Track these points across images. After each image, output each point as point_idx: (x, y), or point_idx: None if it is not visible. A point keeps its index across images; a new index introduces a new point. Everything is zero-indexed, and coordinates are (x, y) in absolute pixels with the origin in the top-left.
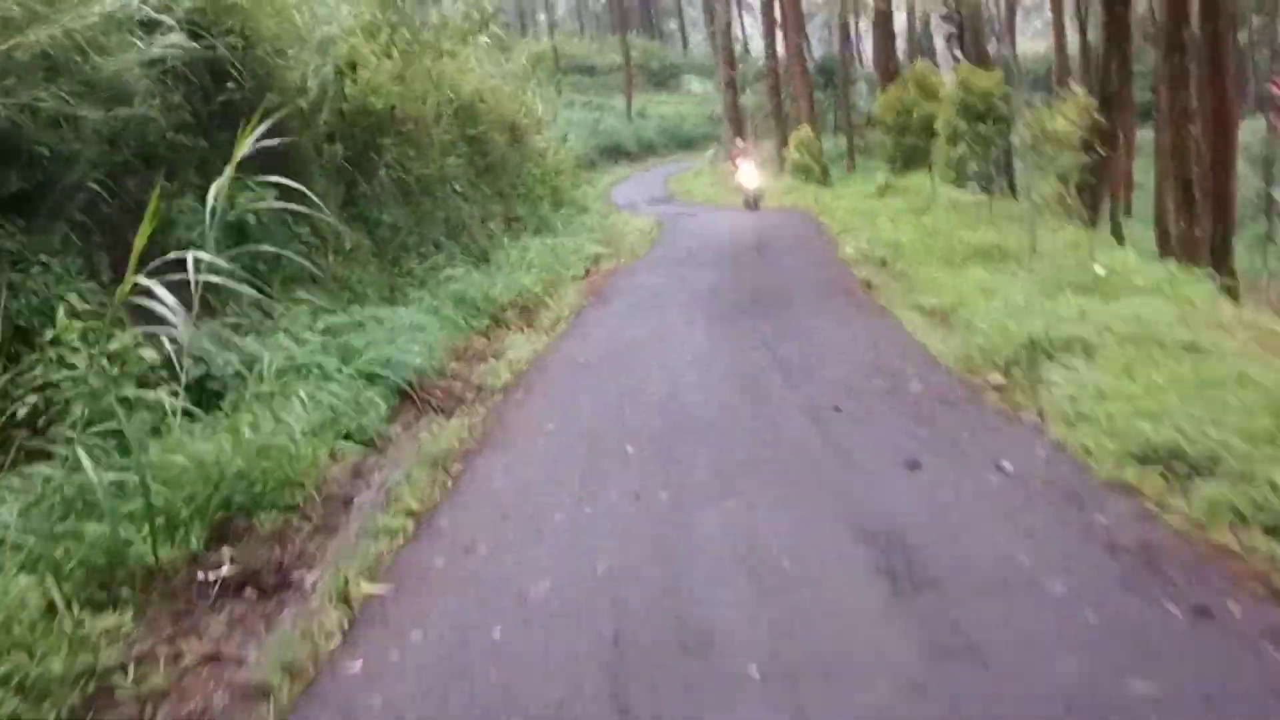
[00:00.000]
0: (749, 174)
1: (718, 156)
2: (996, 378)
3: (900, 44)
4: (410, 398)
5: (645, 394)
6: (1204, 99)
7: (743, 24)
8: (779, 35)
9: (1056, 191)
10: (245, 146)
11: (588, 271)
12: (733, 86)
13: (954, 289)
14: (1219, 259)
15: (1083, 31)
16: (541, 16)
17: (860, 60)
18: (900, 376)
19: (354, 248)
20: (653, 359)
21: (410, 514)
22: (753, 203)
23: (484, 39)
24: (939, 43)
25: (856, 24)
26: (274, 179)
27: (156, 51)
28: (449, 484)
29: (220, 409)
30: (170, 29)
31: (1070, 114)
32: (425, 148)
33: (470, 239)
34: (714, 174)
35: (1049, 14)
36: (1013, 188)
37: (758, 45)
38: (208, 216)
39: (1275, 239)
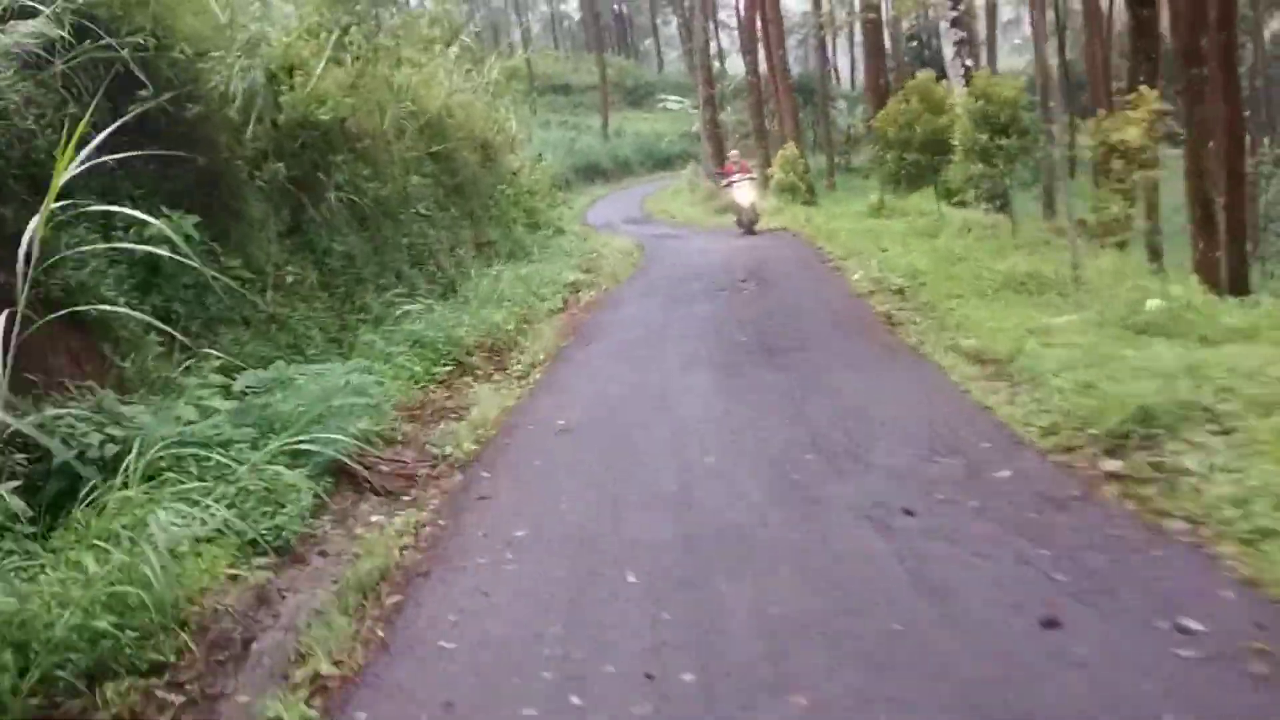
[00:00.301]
0: (745, 191)
1: (697, 175)
2: (1109, 463)
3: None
4: (349, 473)
5: (644, 481)
6: (1218, 113)
7: (719, 42)
8: (760, 50)
9: (1121, 213)
10: (65, 169)
11: (565, 303)
12: (711, 104)
13: (997, 328)
14: (1236, 281)
15: (1061, 50)
16: (516, 34)
17: (837, 78)
18: (975, 457)
19: (297, 281)
20: (650, 425)
21: (318, 688)
22: (748, 224)
23: (453, 51)
24: (948, 50)
25: (834, 41)
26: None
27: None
28: (380, 631)
29: (73, 518)
30: (35, 12)
31: (1139, 121)
32: (384, 166)
33: (437, 268)
34: (694, 193)
35: (1026, 30)
36: (1050, 208)
37: (734, 64)
38: (20, 262)
39: None
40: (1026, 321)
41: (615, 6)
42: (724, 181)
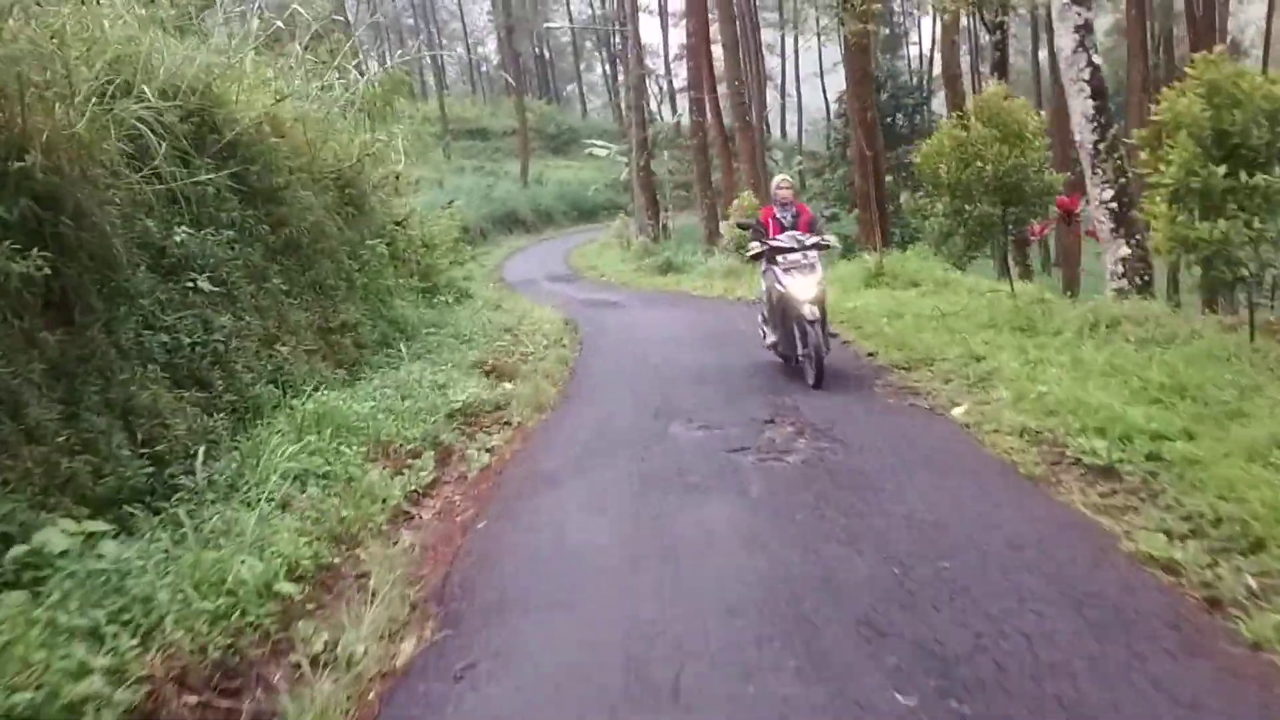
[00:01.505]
0: (805, 282)
1: (628, 228)
2: None
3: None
4: None
5: None
6: None
7: (653, 86)
8: (706, 85)
9: None
10: None
11: (430, 488)
12: (645, 148)
13: None
14: None
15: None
16: (430, 78)
17: (767, 127)
18: None
19: None
20: None
21: None
22: (812, 347)
23: (296, 46)
24: (1065, 40)
25: (783, 85)
26: None
27: None
28: None
29: None
30: None
31: None
32: (88, 203)
33: (212, 399)
34: (625, 249)
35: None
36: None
37: (663, 115)
38: None
39: None
40: None
41: (536, 50)
42: (755, 246)
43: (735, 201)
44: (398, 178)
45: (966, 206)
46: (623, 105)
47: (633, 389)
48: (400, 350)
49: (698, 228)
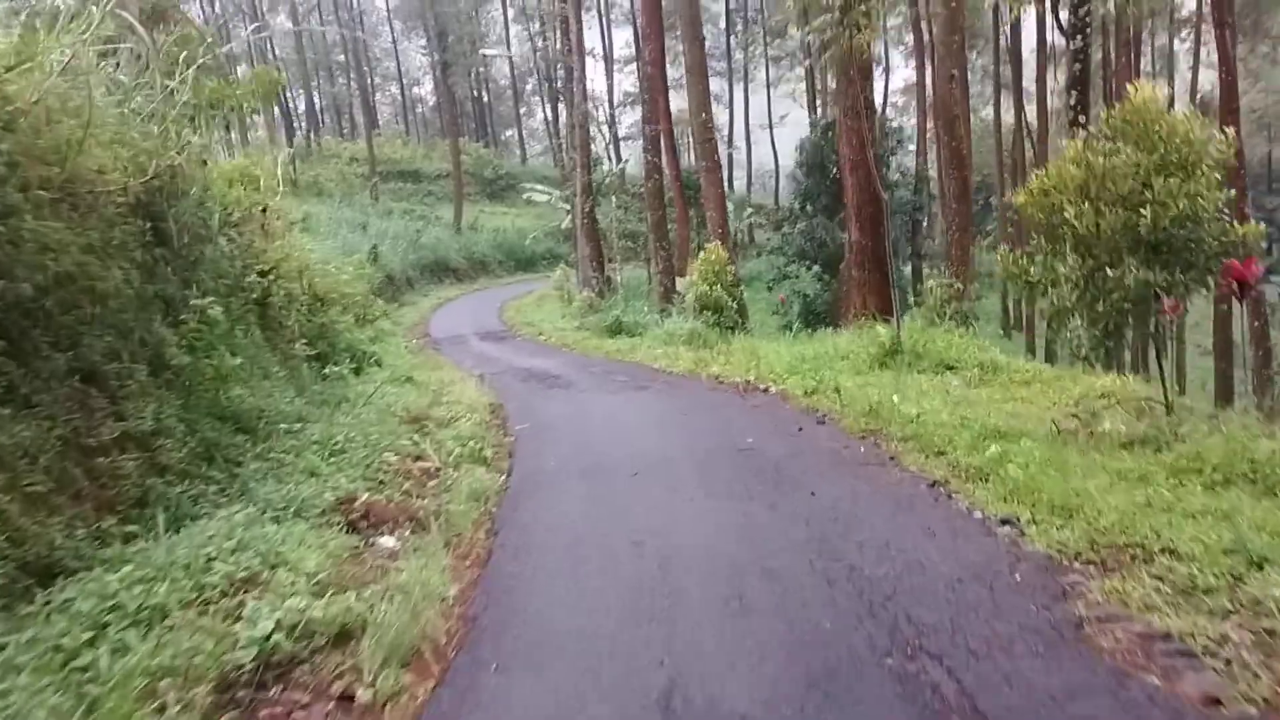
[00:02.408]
0: None
1: (569, 280)
2: None
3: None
4: None
5: None
6: None
7: (597, 120)
8: (664, 119)
9: None
10: None
11: None
12: (590, 192)
13: None
14: None
15: None
16: (360, 117)
17: (730, 183)
18: None
19: None
20: None
21: None
22: None
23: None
24: None
25: (730, 136)
26: None
27: None
28: None
29: None
30: None
31: None
32: None
33: None
34: (565, 304)
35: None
36: None
37: (611, 155)
38: None
39: None
40: None
41: (475, 92)
42: None
43: (701, 254)
44: (264, 211)
45: (1109, 270)
46: (565, 146)
47: (607, 624)
48: (229, 472)
49: (645, 281)
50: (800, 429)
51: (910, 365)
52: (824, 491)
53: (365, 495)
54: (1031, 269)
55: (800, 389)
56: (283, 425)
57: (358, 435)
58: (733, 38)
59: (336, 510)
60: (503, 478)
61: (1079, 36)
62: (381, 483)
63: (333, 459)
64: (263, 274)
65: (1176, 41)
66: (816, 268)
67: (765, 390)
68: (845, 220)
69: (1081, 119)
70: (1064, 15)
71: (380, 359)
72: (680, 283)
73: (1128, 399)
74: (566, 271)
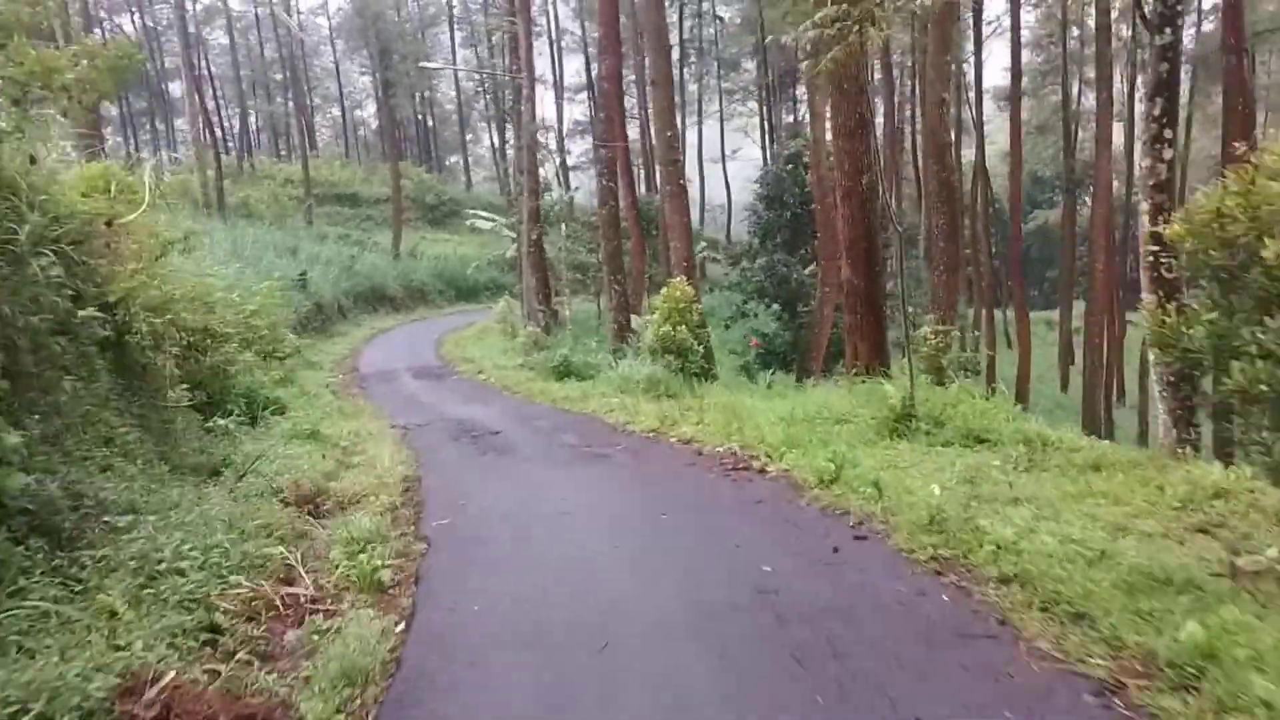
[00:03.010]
0: None
1: (513, 313)
2: None
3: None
4: None
5: None
6: None
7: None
8: (619, 140)
9: None
10: None
11: None
12: (537, 219)
13: None
14: None
15: None
16: (295, 138)
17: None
18: None
19: None
20: None
21: None
22: None
23: None
24: None
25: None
26: None
27: None
28: None
29: None
30: None
31: None
32: None
33: None
34: (508, 338)
35: None
36: None
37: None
38: None
39: None
40: None
41: (419, 116)
42: None
43: (664, 290)
44: (109, 224)
45: None
46: (512, 171)
47: None
48: (58, 620)
49: (596, 316)
50: (836, 549)
51: (929, 435)
52: (931, 715)
53: (171, 675)
54: (1192, 332)
55: (811, 472)
56: (107, 518)
57: (208, 538)
58: (685, 69)
59: (107, 713)
60: (399, 628)
61: (1168, 29)
62: (213, 636)
63: (149, 588)
64: (107, 307)
65: None
66: (775, 306)
67: (762, 471)
68: (821, 257)
69: (1168, 134)
70: (1147, 4)
71: (285, 405)
72: (636, 320)
73: (1255, 503)
74: (510, 303)
